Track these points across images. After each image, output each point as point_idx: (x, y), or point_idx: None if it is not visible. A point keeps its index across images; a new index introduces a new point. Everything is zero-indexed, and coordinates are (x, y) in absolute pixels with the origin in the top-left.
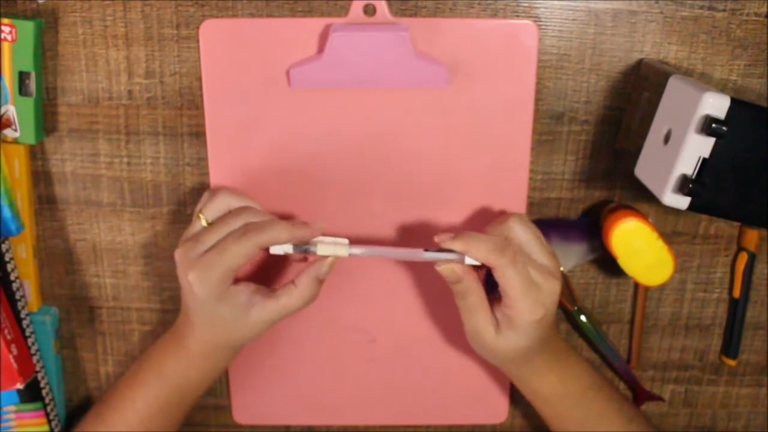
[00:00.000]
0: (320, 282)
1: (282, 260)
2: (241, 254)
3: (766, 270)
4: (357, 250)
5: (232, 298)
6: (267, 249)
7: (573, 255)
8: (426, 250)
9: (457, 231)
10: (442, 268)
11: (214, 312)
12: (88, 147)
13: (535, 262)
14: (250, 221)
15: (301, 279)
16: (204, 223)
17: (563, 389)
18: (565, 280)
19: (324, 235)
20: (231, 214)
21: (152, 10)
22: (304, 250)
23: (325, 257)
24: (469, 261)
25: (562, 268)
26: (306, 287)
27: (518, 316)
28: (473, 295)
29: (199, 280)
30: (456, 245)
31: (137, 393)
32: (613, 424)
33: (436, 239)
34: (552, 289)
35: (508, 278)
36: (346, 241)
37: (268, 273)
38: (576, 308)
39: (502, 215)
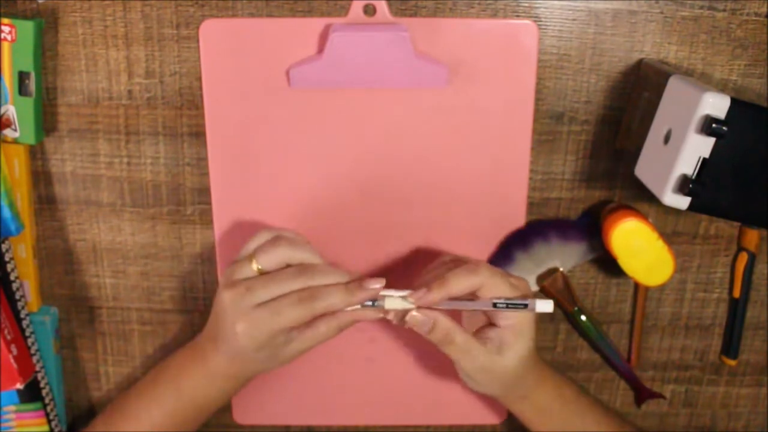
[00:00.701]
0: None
1: None
2: (295, 319)
3: (766, 270)
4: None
5: (273, 344)
6: None
7: (573, 255)
8: (495, 303)
9: (417, 283)
10: (412, 318)
11: (251, 355)
12: (88, 147)
13: (498, 269)
14: (306, 284)
15: (345, 315)
16: (255, 267)
17: (561, 395)
18: (565, 280)
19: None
20: (290, 273)
21: (152, 10)
22: (371, 304)
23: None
24: (540, 308)
25: (562, 269)
26: (344, 322)
27: (519, 317)
28: (458, 335)
29: (246, 334)
30: (434, 296)
31: (153, 407)
32: (608, 429)
33: (412, 300)
34: (526, 285)
35: (496, 287)
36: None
37: None
38: (576, 308)
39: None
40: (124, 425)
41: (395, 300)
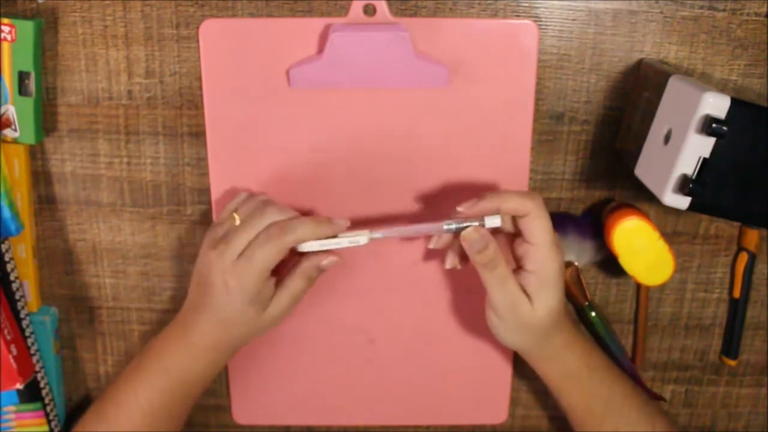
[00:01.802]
0: (322, 270)
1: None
2: (269, 258)
3: (766, 270)
4: (378, 234)
5: (260, 299)
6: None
7: (587, 251)
8: (447, 223)
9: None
10: (468, 234)
11: (239, 313)
12: (88, 147)
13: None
14: (273, 220)
15: (304, 262)
16: (236, 222)
17: (590, 362)
18: (579, 275)
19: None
20: (255, 213)
21: (152, 10)
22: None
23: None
24: (489, 224)
25: (576, 263)
26: (308, 270)
27: (546, 263)
28: (501, 262)
29: (237, 287)
30: (487, 203)
31: (140, 389)
32: (635, 403)
33: (461, 209)
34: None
35: (539, 221)
36: (366, 232)
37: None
38: (587, 303)
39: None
40: (115, 412)
41: (349, 235)
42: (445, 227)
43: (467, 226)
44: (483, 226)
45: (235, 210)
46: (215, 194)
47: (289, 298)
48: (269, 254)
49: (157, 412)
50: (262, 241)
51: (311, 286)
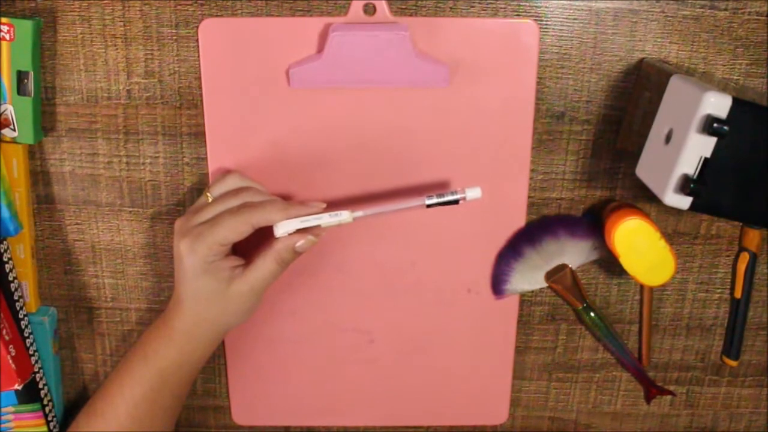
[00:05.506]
0: (297, 253)
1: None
2: (233, 229)
3: (767, 270)
4: (360, 213)
5: (216, 271)
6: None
7: (581, 252)
8: (428, 197)
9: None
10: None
11: (198, 284)
12: (87, 147)
13: None
14: (248, 201)
15: (278, 243)
16: (209, 199)
17: None
18: (574, 277)
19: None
20: (232, 192)
21: (151, 10)
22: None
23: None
24: (471, 196)
25: (570, 265)
26: (282, 251)
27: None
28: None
29: (188, 248)
30: None
31: (125, 379)
32: None
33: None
34: None
35: None
36: (347, 211)
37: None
38: (584, 305)
39: None
40: (103, 406)
41: (331, 217)
42: (427, 201)
43: (449, 200)
44: (464, 198)
45: (209, 188)
46: None
47: (257, 278)
48: (234, 226)
49: (139, 404)
50: (232, 213)
51: (284, 270)
